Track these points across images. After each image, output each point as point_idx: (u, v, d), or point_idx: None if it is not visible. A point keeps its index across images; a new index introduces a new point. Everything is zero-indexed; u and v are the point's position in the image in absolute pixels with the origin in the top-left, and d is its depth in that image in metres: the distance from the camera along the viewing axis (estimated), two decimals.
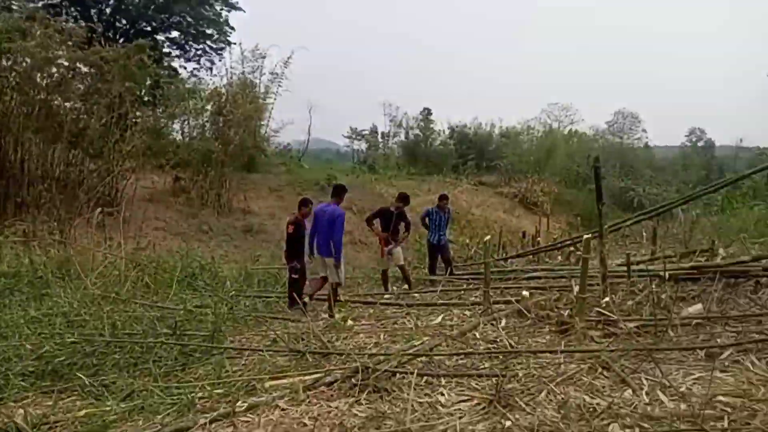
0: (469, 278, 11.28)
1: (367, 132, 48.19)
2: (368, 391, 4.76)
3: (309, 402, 4.60)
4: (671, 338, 6.00)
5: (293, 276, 9.36)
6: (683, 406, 4.43)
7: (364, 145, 48.68)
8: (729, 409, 4.36)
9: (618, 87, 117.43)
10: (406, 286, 10.93)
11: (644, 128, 54.69)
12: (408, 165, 38.93)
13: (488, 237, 8.72)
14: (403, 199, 11.06)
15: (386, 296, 9.99)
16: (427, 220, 12.04)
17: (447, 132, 43.58)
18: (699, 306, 6.74)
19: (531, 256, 13.74)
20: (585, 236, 5.85)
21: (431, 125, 43.66)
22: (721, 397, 4.57)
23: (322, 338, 6.60)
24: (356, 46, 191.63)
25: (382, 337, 6.79)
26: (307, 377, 5.01)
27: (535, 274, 9.77)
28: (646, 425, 4.13)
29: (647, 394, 4.73)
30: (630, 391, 4.78)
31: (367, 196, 24.28)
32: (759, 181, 29.79)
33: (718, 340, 5.79)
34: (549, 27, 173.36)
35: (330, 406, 4.54)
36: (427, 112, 44.33)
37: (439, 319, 7.52)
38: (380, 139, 47.56)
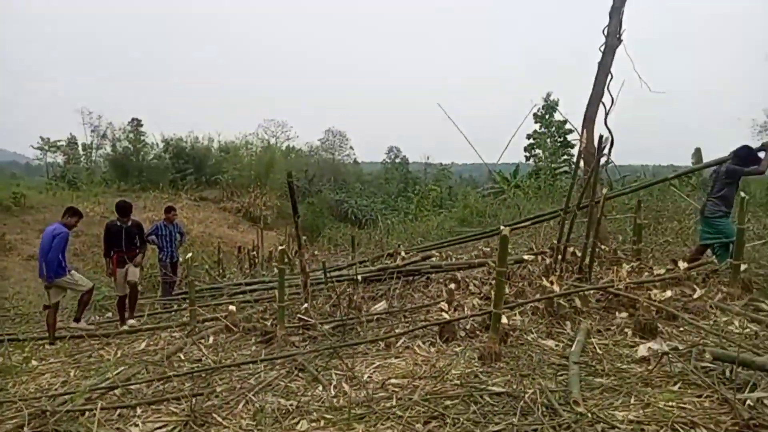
0: (185, 298, 9.13)
1: (63, 143, 39.32)
2: None
3: None
4: (358, 333, 6.07)
5: None
6: (363, 392, 4.44)
7: (60, 158, 39.69)
8: (398, 389, 4.47)
9: (325, 108, 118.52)
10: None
11: (351, 146, 55.40)
12: (118, 180, 32.87)
13: (189, 255, 7.85)
14: (121, 210, 8.10)
15: (126, 327, 7.89)
16: (155, 237, 9.99)
17: (161, 145, 37.74)
18: (383, 303, 6.95)
19: (248, 271, 12.49)
20: (504, 228, 5.10)
21: (142, 137, 37.37)
22: (393, 380, 4.71)
23: None
24: (44, 45, 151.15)
25: (72, 374, 5.76)
26: None
27: (249, 288, 9.23)
28: (329, 416, 4.07)
29: (334, 387, 4.68)
30: (321, 387, 4.70)
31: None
32: (443, 191, 33.42)
33: (396, 330, 5.96)
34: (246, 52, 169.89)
35: None
36: (136, 123, 38.04)
37: (143, 344, 6.70)
38: (81, 152, 39.51)
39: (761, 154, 7.17)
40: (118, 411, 4.48)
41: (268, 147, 43.38)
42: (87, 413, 4.39)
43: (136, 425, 4.25)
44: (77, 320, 7.43)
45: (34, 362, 6.15)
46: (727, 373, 4.01)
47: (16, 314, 10.60)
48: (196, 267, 12.75)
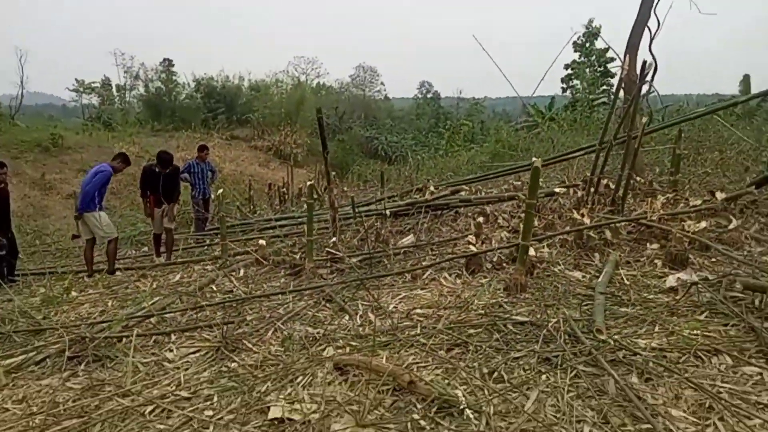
0: (217, 233, 9.11)
1: (98, 84, 39.49)
2: (87, 362, 4.27)
3: (14, 385, 3.99)
4: (386, 266, 6.16)
5: None
6: (388, 322, 4.55)
7: (95, 100, 39.92)
8: (422, 319, 4.57)
9: (355, 43, 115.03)
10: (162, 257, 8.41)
11: (382, 81, 53.43)
12: (151, 121, 32.86)
13: (221, 191, 7.96)
14: (163, 162, 8.23)
15: (157, 260, 8.28)
16: (188, 175, 10.10)
17: (192, 85, 37.32)
18: (411, 237, 6.98)
19: (278, 207, 12.53)
20: (536, 160, 5.01)
21: (174, 77, 37.27)
22: (418, 310, 4.80)
23: (32, 315, 5.56)
24: None
25: (110, 304, 5.96)
26: (11, 360, 4.33)
27: (279, 223, 9.37)
28: (355, 343, 4.21)
29: (361, 317, 4.81)
30: (347, 317, 4.83)
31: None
32: (475, 126, 32.67)
33: (423, 263, 6.02)
34: None
35: (40, 385, 3.99)
36: (168, 64, 37.83)
37: (178, 277, 6.92)
38: (115, 93, 39.94)
39: None
40: (154, 338, 4.71)
41: (298, 84, 42.90)
42: (124, 340, 4.63)
43: (171, 350, 4.47)
44: (111, 272, 7.65)
45: (73, 293, 6.47)
46: (757, 303, 3.95)
47: (56, 249, 11.10)
48: (228, 204, 13.01)
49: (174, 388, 3.81)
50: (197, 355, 4.37)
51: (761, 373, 3.17)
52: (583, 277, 5.20)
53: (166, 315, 5.23)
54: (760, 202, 6.65)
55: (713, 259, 5.27)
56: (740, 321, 3.76)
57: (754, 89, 17.92)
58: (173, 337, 4.70)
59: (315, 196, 8.14)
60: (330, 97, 42.69)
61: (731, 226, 5.67)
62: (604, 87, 30.23)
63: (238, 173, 25.29)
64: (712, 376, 3.20)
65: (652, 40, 8.48)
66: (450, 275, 5.62)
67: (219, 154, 26.94)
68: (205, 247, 9.03)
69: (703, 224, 5.59)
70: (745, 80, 18.64)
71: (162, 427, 3.33)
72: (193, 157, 10.63)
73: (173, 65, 38.41)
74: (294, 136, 31.34)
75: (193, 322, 5.02)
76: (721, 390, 3.05)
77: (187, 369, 4.13)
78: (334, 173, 11.36)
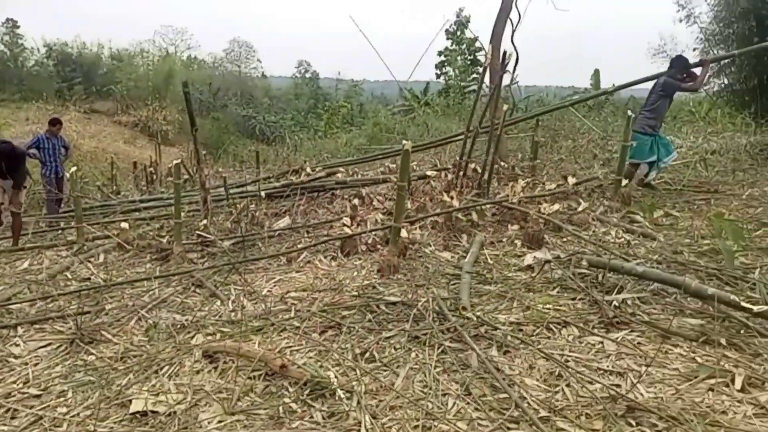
0: (73, 216, 7.94)
1: None
2: None
3: None
4: (260, 249, 6.03)
5: None
6: (261, 306, 4.45)
7: None
8: (297, 302, 4.53)
9: (230, 16, 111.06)
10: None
11: (259, 58, 51.37)
12: None
13: (74, 168, 7.25)
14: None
15: None
16: (36, 151, 9.07)
17: (43, 51, 33.94)
18: (287, 219, 6.90)
19: (146, 188, 11.79)
20: (406, 143, 5.02)
21: (20, 41, 33.72)
22: (292, 293, 4.74)
23: None
24: None
25: None
26: None
27: (144, 205, 8.77)
28: (226, 329, 4.07)
29: (233, 302, 4.66)
30: (218, 302, 4.66)
31: None
32: (354, 108, 33.32)
33: (298, 246, 5.97)
34: None
35: None
36: (12, 24, 34.02)
37: (26, 264, 6.26)
38: None
39: (697, 70, 7.25)
40: None
41: (167, 56, 40.20)
42: None
43: (17, 345, 4.05)
44: None
45: None
46: (600, 278, 4.39)
47: None
48: (87, 183, 11.96)
49: (21, 385, 3.48)
50: (48, 348, 4.02)
51: (602, 342, 3.54)
52: (452, 257, 5.45)
53: (12, 306, 4.71)
54: (605, 186, 7.39)
55: (565, 239, 5.78)
56: (586, 295, 4.17)
57: (604, 83, 19.91)
58: (20, 331, 4.26)
59: (186, 176, 7.71)
60: (203, 72, 40.61)
61: (580, 209, 6.25)
62: (474, 75, 31.66)
63: (99, 150, 23.25)
64: (561, 346, 3.52)
65: (513, 31, 9.00)
66: (325, 257, 5.63)
67: (76, 128, 24.54)
68: (59, 231, 8.22)
69: (557, 206, 6.10)
70: (596, 74, 20.55)
71: (6, 428, 3.02)
72: (44, 132, 9.59)
73: (18, 26, 34.31)
74: (164, 112, 29.37)
75: (43, 313, 4.57)
76: (568, 359, 3.36)
77: (36, 364, 3.78)
78: (205, 152, 10.85)
